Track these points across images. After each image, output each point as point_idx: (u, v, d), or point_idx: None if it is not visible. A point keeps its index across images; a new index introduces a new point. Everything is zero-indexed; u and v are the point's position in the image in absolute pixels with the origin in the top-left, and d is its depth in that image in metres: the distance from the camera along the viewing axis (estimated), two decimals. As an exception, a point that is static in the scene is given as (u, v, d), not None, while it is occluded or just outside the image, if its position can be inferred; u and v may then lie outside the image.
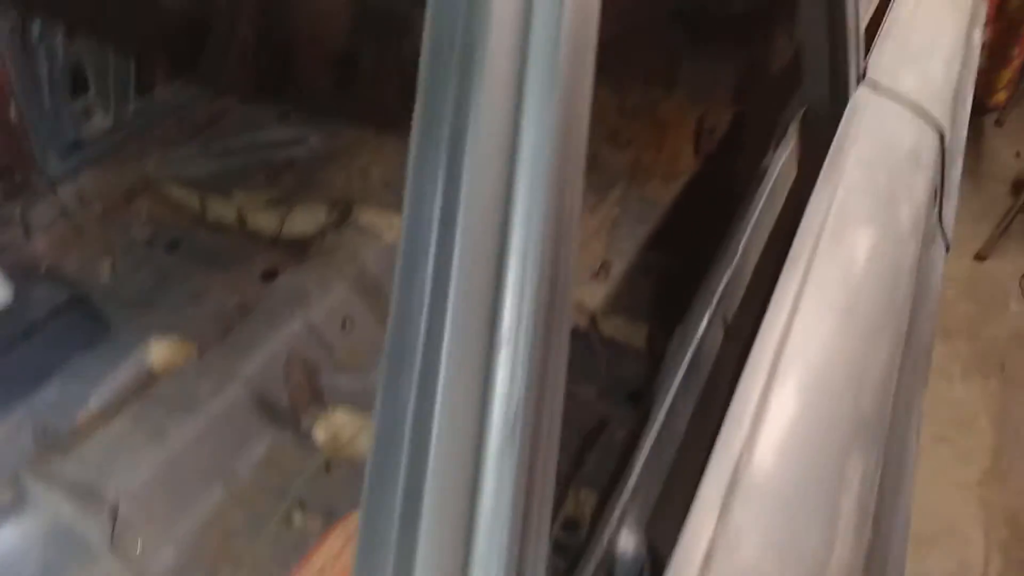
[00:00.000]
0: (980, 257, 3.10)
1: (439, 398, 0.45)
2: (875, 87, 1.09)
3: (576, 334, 2.04)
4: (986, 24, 3.78)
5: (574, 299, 2.00)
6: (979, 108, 4.01)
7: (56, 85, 2.17)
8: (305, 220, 2.25)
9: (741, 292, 0.88)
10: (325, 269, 1.94)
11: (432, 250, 0.47)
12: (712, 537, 0.71)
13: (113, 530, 1.39)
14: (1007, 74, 3.90)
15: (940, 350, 2.77)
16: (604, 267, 2.11)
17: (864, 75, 1.12)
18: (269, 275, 2.20)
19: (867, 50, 1.16)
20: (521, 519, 0.47)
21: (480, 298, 0.48)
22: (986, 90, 3.94)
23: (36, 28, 2.07)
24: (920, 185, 1.03)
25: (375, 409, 0.47)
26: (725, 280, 0.86)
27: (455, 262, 0.47)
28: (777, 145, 1.04)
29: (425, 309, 0.47)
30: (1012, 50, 3.83)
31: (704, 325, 0.81)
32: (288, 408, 1.70)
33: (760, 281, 0.87)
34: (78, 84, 2.25)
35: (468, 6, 0.48)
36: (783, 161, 1.00)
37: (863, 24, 1.23)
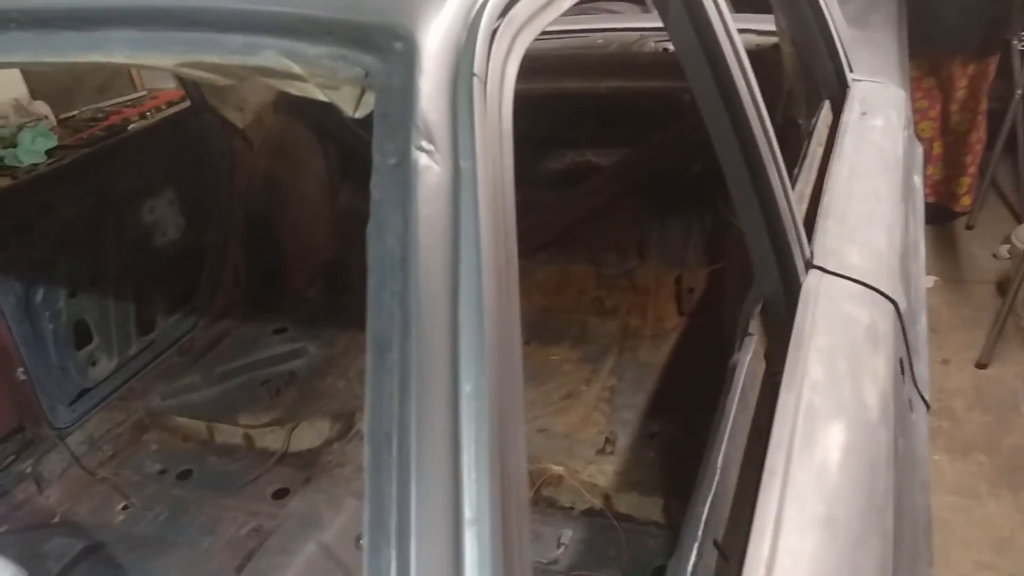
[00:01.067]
0: (981, 365, 3.11)
1: None
2: (823, 271, 1.17)
3: (592, 514, 2.04)
4: (934, 140, 3.99)
5: (583, 479, 2.01)
6: (947, 215, 4.16)
7: (61, 341, 2.26)
8: (310, 435, 2.29)
9: (727, 509, 0.90)
10: (334, 487, 1.96)
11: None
12: None
13: None
14: (966, 180, 4.07)
15: (962, 468, 2.73)
16: (609, 441, 2.12)
17: (812, 260, 1.19)
18: (280, 493, 2.21)
19: (810, 234, 1.25)
20: None
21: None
22: (950, 198, 4.10)
23: (39, 294, 2.19)
24: (882, 363, 1.08)
25: None
26: (709, 502, 0.88)
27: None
28: (740, 344, 1.10)
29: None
30: (965, 159, 4.02)
31: (694, 555, 0.82)
32: (312, 642, 1.68)
33: (746, 494, 0.89)
34: (82, 336, 2.34)
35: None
36: (748, 360, 1.05)
37: (800, 209, 1.32)
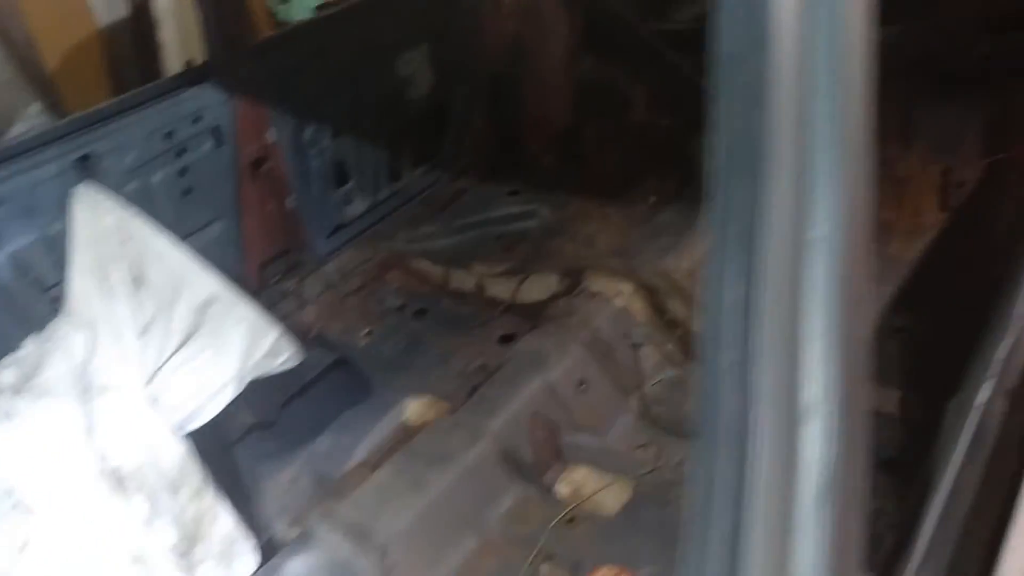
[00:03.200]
0: None
1: (750, 469, 0.49)
2: None
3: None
4: None
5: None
6: None
7: (324, 178, 2.49)
8: (538, 288, 2.37)
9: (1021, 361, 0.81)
10: (561, 333, 2.03)
11: (733, 336, 0.52)
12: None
13: (383, 570, 1.52)
14: None
15: None
16: None
17: None
18: (506, 339, 2.33)
19: None
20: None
21: (781, 377, 0.51)
22: None
23: (308, 132, 2.40)
24: None
25: (690, 476, 0.51)
26: (1006, 349, 0.80)
27: (756, 346, 0.51)
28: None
29: (730, 388, 0.51)
30: None
31: (986, 397, 0.75)
32: (532, 464, 1.78)
33: None
34: (341, 176, 2.56)
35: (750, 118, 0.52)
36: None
37: None
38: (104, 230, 1.41)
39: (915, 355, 1.92)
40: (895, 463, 1.76)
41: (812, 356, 0.50)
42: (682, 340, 2.10)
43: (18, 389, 1.30)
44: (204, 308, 1.39)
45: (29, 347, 1.40)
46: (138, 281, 1.38)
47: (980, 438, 0.78)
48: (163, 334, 1.36)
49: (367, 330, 2.42)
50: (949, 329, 1.90)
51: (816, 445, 0.49)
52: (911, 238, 2.27)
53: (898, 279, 2.15)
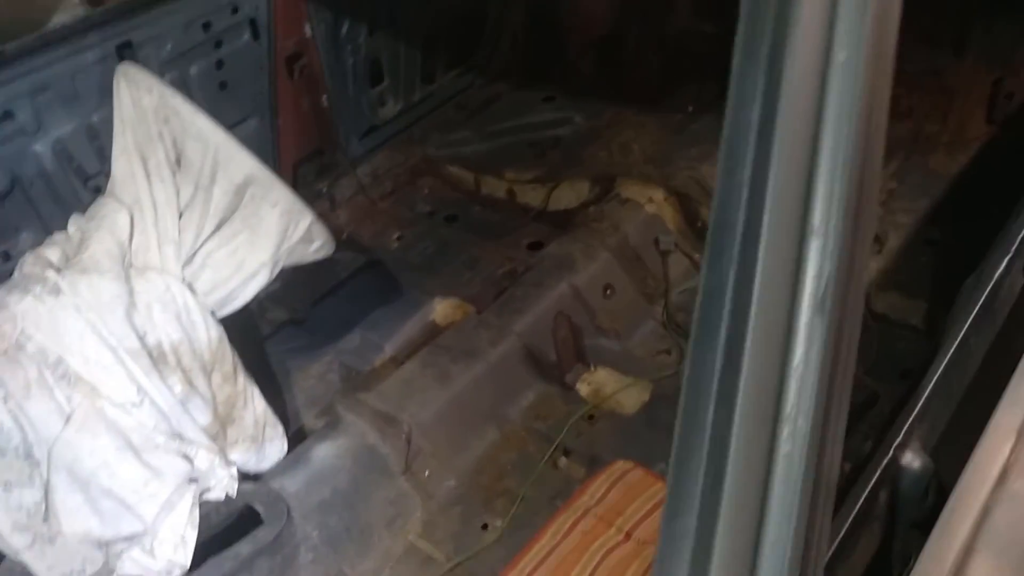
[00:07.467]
0: None
1: (757, 277, 0.50)
2: None
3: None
4: None
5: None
6: None
7: (358, 77, 2.46)
8: (569, 195, 2.37)
9: None
10: (590, 238, 2.04)
11: (750, 156, 0.53)
12: (1005, 464, 0.68)
13: (407, 455, 1.58)
14: None
15: None
16: (878, 239, 2.00)
17: None
18: (535, 245, 2.34)
19: None
20: (828, 376, 0.52)
21: (793, 196, 0.52)
22: None
23: (344, 28, 2.37)
24: None
25: (701, 278, 0.54)
26: None
27: (772, 167, 0.52)
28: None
29: (743, 205, 0.52)
30: None
31: (1002, 268, 0.76)
32: (554, 363, 1.82)
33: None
34: (376, 76, 2.53)
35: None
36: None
37: None
38: (145, 108, 1.43)
39: (946, 269, 1.90)
40: (911, 373, 1.77)
41: (824, 177, 0.51)
42: (711, 249, 2.10)
43: (64, 265, 1.36)
44: (241, 189, 1.41)
45: (72, 227, 1.45)
46: (178, 161, 1.41)
47: (991, 307, 0.79)
48: (201, 215, 1.39)
49: (398, 234, 2.44)
50: (985, 244, 1.88)
51: (818, 260, 0.51)
52: (953, 151, 2.21)
53: (937, 192, 2.10)
